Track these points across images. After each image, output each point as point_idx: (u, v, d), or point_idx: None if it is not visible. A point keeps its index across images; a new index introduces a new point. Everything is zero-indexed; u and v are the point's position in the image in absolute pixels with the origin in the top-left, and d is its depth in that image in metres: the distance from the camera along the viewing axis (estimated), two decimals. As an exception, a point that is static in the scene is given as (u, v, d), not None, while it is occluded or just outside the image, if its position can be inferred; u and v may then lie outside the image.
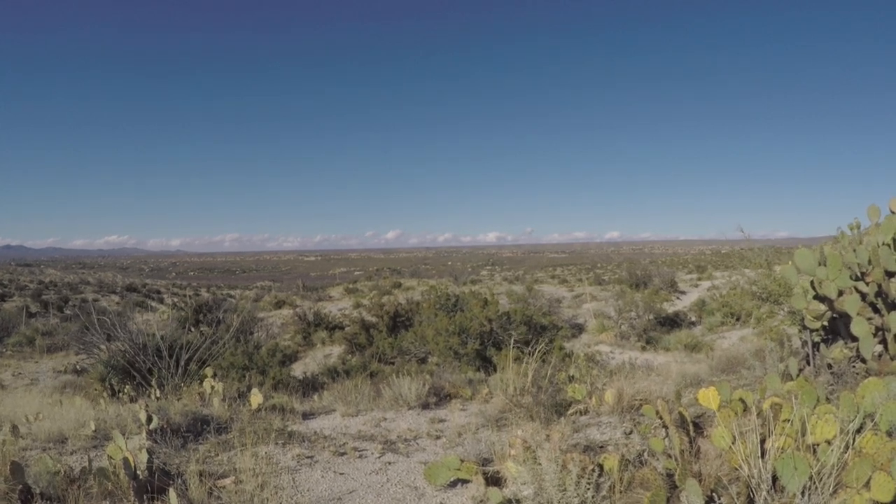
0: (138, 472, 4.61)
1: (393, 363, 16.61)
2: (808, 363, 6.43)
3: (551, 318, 19.84)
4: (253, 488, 4.86)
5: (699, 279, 45.43)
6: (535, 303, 27.61)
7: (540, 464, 4.29)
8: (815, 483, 3.41)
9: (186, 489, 4.68)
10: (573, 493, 4.07)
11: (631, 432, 5.82)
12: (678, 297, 34.36)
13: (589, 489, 4.10)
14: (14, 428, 6.00)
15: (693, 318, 26.16)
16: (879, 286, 5.88)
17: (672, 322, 25.06)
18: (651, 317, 24.36)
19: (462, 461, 5.11)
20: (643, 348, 20.00)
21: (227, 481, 5.14)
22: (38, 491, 4.33)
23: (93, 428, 6.36)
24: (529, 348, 8.15)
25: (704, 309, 25.97)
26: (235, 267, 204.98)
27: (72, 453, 5.90)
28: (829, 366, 6.07)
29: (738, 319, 20.04)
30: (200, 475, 5.04)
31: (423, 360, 16.80)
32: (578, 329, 24.73)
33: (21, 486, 4.21)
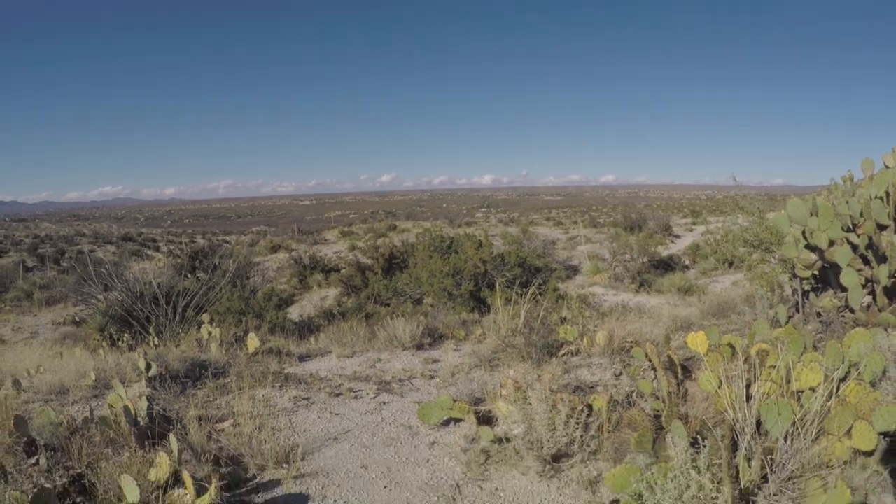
0: (139, 419, 4.69)
1: (388, 304, 16.75)
2: (798, 311, 6.52)
3: (545, 260, 19.92)
4: (251, 431, 4.96)
5: (694, 224, 45.62)
6: (529, 245, 27.65)
7: (530, 403, 4.39)
8: (797, 429, 3.49)
9: (186, 434, 4.76)
10: (562, 433, 4.17)
11: (620, 374, 5.91)
12: (672, 241, 34.52)
13: (577, 428, 4.21)
14: (16, 382, 6.08)
15: (687, 262, 26.27)
16: (870, 238, 5.93)
17: (666, 265, 25.16)
18: (645, 259, 24.47)
19: (455, 401, 5.21)
20: (637, 291, 20.09)
21: (225, 424, 5.24)
22: (41, 442, 4.40)
23: (93, 378, 6.45)
24: (523, 290, 8.22)
25: (698, 253, 26.06)
26: (230, 213, 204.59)
27: (73, 404, 5.97)
28: (818, 314, 6.15)
29: (730, 265, 20.11)
30: (199, 420, 5.13)
31: (417, 302, 16.94)
32: (573, 271, 24.84)
33: (25, 438, 4.28)
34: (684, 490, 3.21)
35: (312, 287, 23.74)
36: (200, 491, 3.69)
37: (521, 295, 7.78)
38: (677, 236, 37.10)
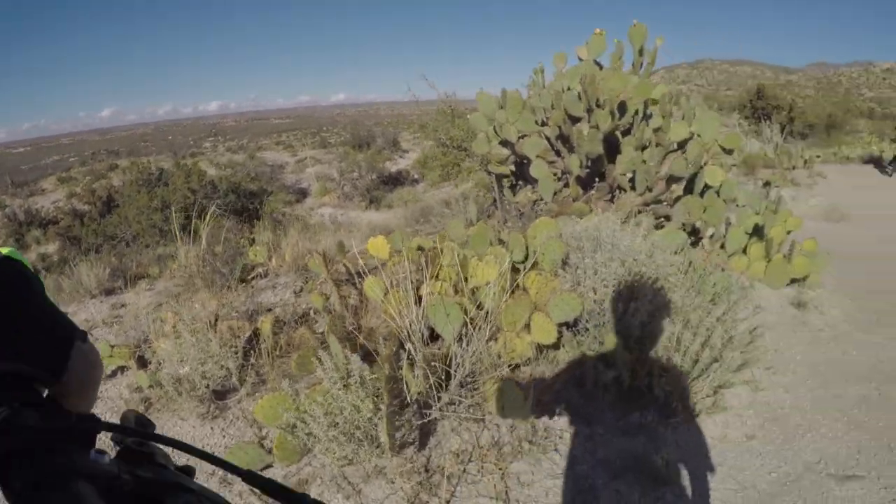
0: None
1: (99, 252, 15.33)
2: (496, 207, 6.47)
3: (260, 184, 19.28)
4: None
5: (422, 138, 46.37)
6: (243, 169, 26.78)
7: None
8: (472, 329, 3.19)
9: None
10: (215, 367, 3.66)
11: (301, 290, 5.56)
12: (401, 156, 34.85)
13: (232, 359, 3.73)
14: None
15: (416, 176, 26.60)
16: (560, 129, 5.89)
17: (395, 180, 25.35)
18: (374, 176, 24.49)
19: (113, 347, 4.49)
20: (366, 207, 20.09)
21: None
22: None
23: None
24: (240, 216, 7.62)
25: (426, 166, 26.46)
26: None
27: None
28: (519, 210, 6.11)
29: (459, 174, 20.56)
30: None
31: (132, 243, 15.68)
32: (302, 194, 24.34)
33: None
34: (338, 414, 2.79)
35: (31, 245, 21.32)
36: None
37: (245, 221, 7.23)
38: (406, 151, 37.46)
